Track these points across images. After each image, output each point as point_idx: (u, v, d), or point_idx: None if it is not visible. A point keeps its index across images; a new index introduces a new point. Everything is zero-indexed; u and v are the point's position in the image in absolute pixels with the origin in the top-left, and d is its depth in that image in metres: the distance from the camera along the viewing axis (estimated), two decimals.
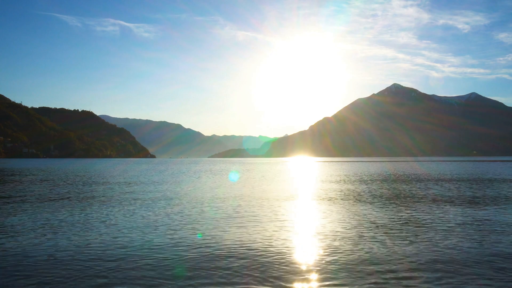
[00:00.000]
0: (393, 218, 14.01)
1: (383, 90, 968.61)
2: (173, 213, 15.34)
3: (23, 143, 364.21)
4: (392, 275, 7.55)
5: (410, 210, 16.03)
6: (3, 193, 23.92)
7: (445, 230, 11.80)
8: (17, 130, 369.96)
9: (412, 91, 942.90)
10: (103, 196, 22.12)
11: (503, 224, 12.84)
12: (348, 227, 12.23)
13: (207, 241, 10.39)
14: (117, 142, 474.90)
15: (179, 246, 9.85)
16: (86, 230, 12.01)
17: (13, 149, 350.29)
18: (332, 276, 7.56)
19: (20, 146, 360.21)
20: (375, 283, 7.15)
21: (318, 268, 8.07)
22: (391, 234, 11.17)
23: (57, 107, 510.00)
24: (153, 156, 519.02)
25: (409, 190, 24.69)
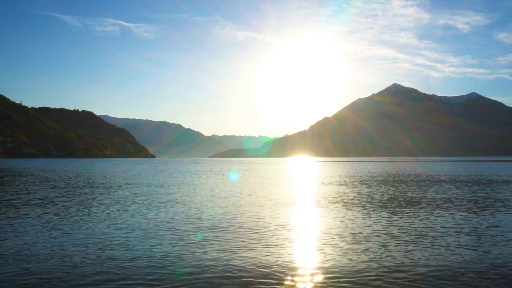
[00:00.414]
0: (394, 224, 13.99)
1: (383, 90, 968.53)
2: (173, 213, 15.37)
3: (23, 143, 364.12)
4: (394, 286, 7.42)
5: (411, 215, 15.93)
6: (4, 193, 23.94)
7: (448, 237, 11.80)
8: (17, 130, 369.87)
9: (412, 91, 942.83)
10: (103, 196, 22.13)
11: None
12: (345, 233, 12.11)
13: (207, 241, 10.43)
14: (117, 142, 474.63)
15: (179, 246, 9.88)
16: (87, 229, 12.05)
17: (13, 149, 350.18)
18: (332, 281, 7.58)
19: (20, 146, 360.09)
20: None
21: (319, 269, 8.07)
22: (394, 242, 11.11)
23: (57, 107, 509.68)
24: (153, 156, 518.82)
25: (410, 193, 24.71)
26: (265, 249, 9.58)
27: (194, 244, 10.08)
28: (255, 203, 18.70)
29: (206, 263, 8.37)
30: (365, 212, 15.61)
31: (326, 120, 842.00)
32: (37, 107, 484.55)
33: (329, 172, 54.98)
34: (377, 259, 8.64)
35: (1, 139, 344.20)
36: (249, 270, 7.92)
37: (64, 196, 22.15)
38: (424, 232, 11.49)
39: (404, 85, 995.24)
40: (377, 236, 11.01)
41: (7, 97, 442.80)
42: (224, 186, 29.23)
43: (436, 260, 8.52)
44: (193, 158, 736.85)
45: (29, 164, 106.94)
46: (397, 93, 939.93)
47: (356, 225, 12.69)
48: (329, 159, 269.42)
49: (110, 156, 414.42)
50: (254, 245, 9.93)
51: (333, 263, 8.39)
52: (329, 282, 7.24)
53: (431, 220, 13.64)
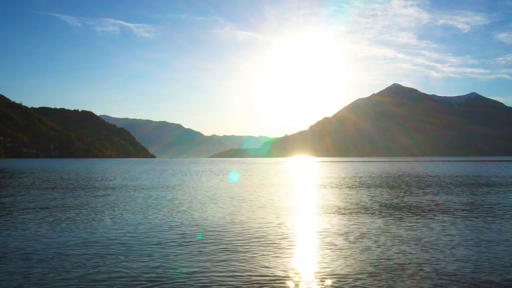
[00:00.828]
0: (394, 225, 14.00)
1: (383, 90, 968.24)
2: (173, 213, 15.39)
3: (23, 143, 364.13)
4: None
5: (411, 217, 15.88)
6: (4, 193, 23.96)
7: (448, 239, 11.76)
8: (17, 130, 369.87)
9: (412, 91, 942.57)
10: (103, 196, 22.14)
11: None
12: (345, 233, 12.11)
13: (207, 241, 10.44)
14: (117, 142, 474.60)
15: (180, 246, 9.89)
16: (87, 229, 12.07)
17: (13, 149, 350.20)
18: (332, 280, 7.57)
19: (20, 146, 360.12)
20: None
21: (319, 270, 8.10)
22: (394, 243, 11.09)
23: (57, 107, 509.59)
24: (153, 156, 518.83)
25: (409, 194, 24.72)
26: (265, 249, 9.58)
27: (194, 244, 10.10)
28: (255, 203, 18.71)
29: (206, 263, 8.37)
30: (365, 212, 15.63)
31: (326, 120, 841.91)
32: (37, 107, 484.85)
33: (329, 172, 55.01)
34: (377, 259, 8.63)
35: (1, 139, 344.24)
36: (249, 270, 7.92)
37: (64, 196, 22.16)
38: (424, 235, 11.45)
39: (404, 85, 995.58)
40: (377, 236, 11.03)
41: (7, 97, 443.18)
42: (224, 186, 29.24)
43: (437, 261, 8.51)
44: (193, 158, 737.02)
45: (29, 164, 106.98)
46: (397, 93, 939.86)
47: (356, 225, 12.70)
48: (329, 159, 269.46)
49: (110, 156, 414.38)
50: (254, 246, 9.94)
51: (334, 264, 8.38)
52: (329, 283, 7.22)
53: (431, 223, 13.59)
